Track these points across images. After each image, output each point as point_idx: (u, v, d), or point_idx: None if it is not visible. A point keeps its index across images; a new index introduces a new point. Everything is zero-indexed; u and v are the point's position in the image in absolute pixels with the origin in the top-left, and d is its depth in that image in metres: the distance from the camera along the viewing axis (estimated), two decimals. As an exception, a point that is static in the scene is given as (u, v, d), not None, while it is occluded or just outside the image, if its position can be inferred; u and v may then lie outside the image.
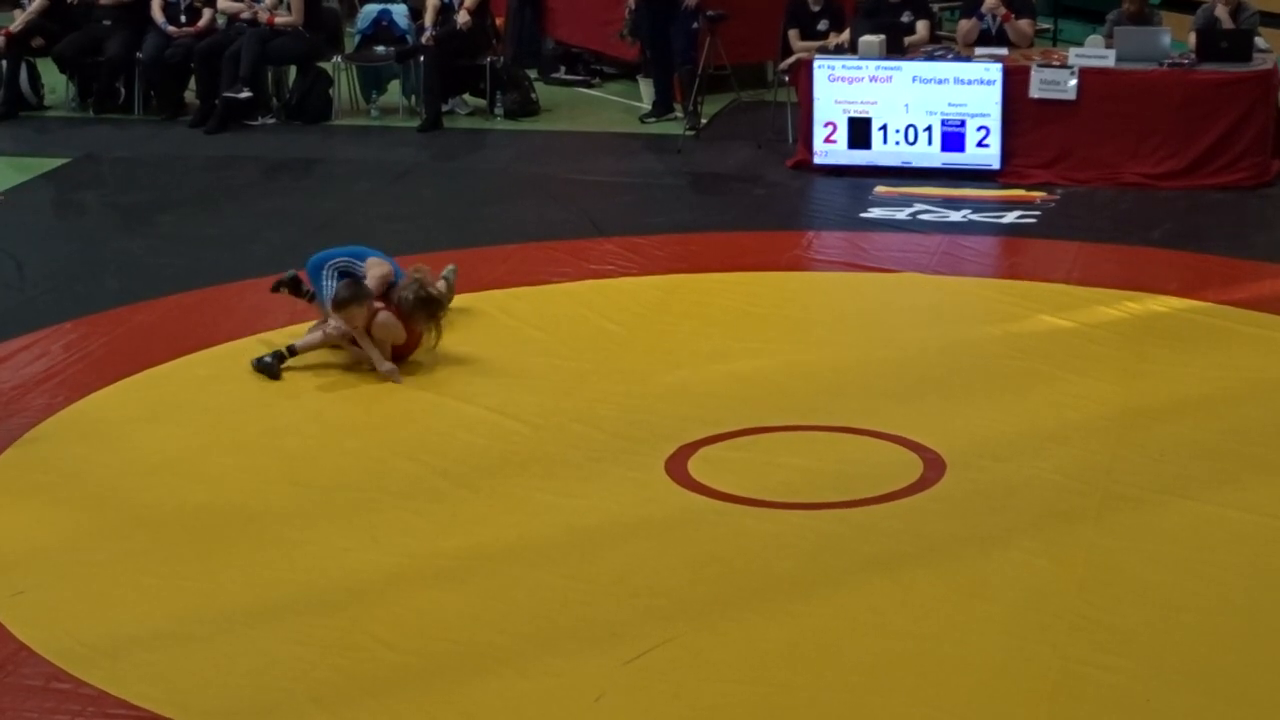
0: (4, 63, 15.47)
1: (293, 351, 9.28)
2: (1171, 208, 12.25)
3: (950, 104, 12.94)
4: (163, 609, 6.83)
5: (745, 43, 14.79)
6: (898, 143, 13.07)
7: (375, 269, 9.30)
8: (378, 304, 9.14)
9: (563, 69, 16.70)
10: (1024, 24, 13.66)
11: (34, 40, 15.59)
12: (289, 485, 7.98)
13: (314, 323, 9.55)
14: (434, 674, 6.39)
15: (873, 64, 13.07)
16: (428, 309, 9.10)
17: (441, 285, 9.47)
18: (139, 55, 15.30)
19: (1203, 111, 12.70)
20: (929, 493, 7.78)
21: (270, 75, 15.41)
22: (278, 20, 15.01)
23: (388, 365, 9.11)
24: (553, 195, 12.96)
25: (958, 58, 13.20)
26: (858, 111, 13.11)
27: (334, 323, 9.21)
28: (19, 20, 15.62)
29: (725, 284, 10.71)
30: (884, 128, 13.07)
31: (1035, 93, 12.88)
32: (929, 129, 12.99)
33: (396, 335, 9.17)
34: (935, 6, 15.05)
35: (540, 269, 10.99)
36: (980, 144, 12.94)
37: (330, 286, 9.27)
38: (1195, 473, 7.90)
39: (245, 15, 15.17)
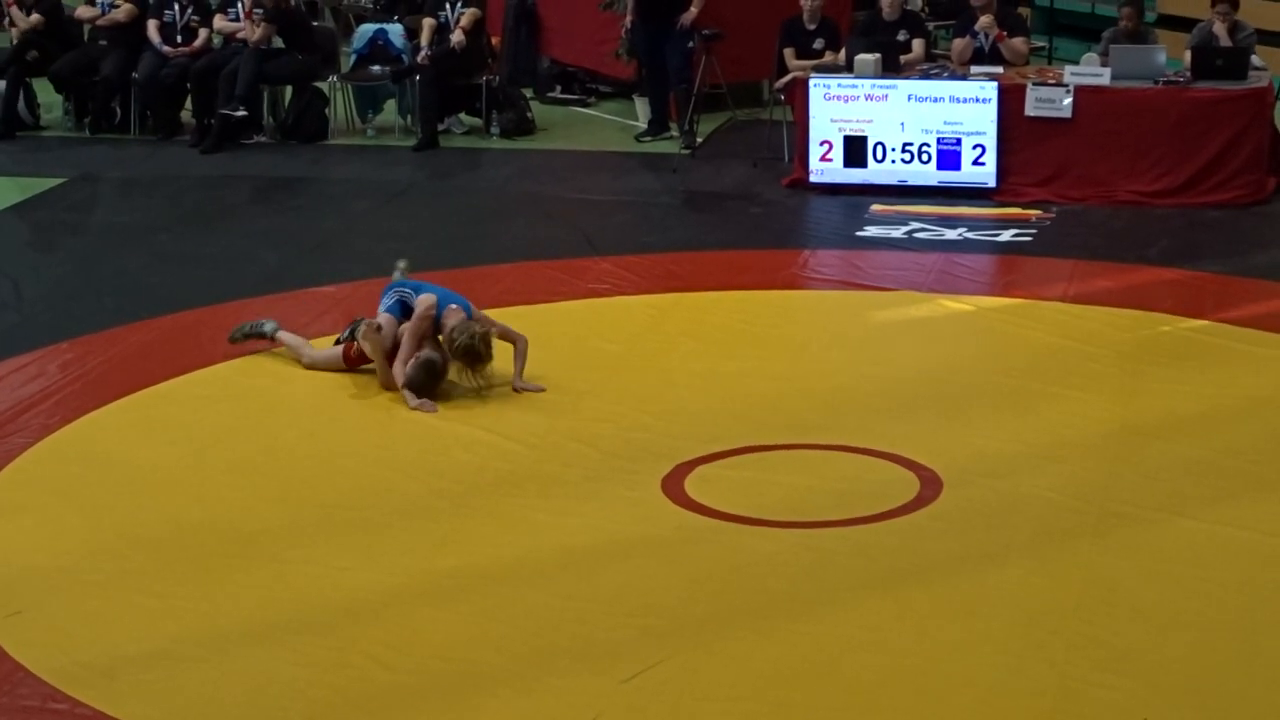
0: (1, 83, 15.49)
1: (274, 336, 9.68)
2: (1167, 225, 12.26)
3: (946, 122, 12.96)
4: (159, 629, 6.83)
5: (741, 61, 14.82)
6: (893, 161, 13.09)
7: (418, 306, 9.25)
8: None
9: (558, 88, 16.72)
10: (1018, 42, 13.68)
11: (29, 54, 15.58)
12: (285, 505, 7.97)
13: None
14: (430, 693, 6.38)
15: (868, 82, 13.09)
16: (469, 358, 9.05)
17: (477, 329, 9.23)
18: (135, 75, 15.32)
19: (1198, 129, 12.72)
20: (926, 511, 7.78)
21: (266, 95, 15.43)
22: (258, 33, 14.97)
23: (417, 400, 9.09)
24: (548, 214, 12.97)
25: (953, 76, 13.23)
26: (853, 130, 13.12)
27: (383, 329, 9.25)
28: (15, 29, 15.64)
29: (721, 302, 10.72)
30: (880, 146, 13.08)
31: (1031, 111, 12.90)
32: (925, 147, 13.01)
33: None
34: (930, 25, 15.09)
35: (536, 288, 10.99)
36: (976, 162, 12.96)
37: (387, 305, 9.35)
38: (1192, 490, 7.90)
39: (241, 35, 15.20)
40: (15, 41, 15.70)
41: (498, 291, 10.84)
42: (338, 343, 9.59)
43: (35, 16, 15.58)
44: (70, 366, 9.73)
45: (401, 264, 9.76)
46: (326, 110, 15.45)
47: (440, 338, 9.19)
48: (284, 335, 9.74)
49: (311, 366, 9.55)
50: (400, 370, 9.10)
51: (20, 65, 15.54)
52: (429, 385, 9.06)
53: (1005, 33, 13.57)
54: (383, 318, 9.33)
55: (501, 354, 9.27)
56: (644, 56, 15.07)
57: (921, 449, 8.36)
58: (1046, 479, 8.05)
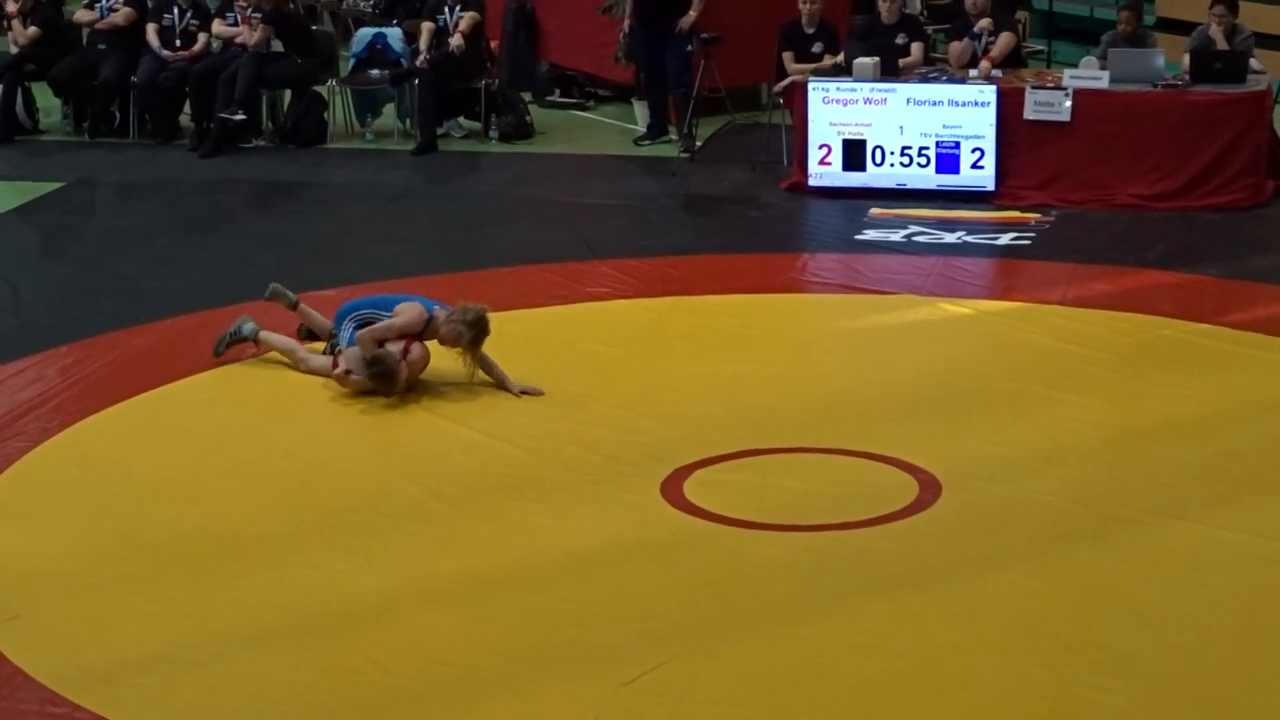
0: (-1, 87, 15.51)
1: (258, 338, 9.70)
2: (1166, 229, 12.26)
3: (945, 126, 12.95)
4: (158, 633, 6.83)
5: (739, 65, 14.80)
6: (892, 165, 13.08)
7: (405, 313, 9.26)
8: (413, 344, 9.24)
9: (557, 91, 16.71)
10: (1005, 36, 13.62)
11: (26, 66, 15.59)
12: (285, 508, 7.97)
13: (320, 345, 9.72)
14: (430, 697, 6.38)
15: (867, 86, 13.08)
16: (476, 330, 9.08)
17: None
18: (134, 79, 15.32)
19: (1197, 133, 12.71)
20: (924, 514, 7.78)
21: (265, 99, 15.42)
22: (256, 36, 14.97)
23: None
24: (547, 218, 12.97)
25: (952, 79, 13.22)
26: (852, 133, 13.12)
27: (352, 374, 9.22)
28: (12, 36, 15.64)
29: (720, 306, 10.72)
30: (879, 149, 13.08)
31: (1030, 114, 12.89)
32: (924, 151, 13.01)
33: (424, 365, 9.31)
34: (929, 28, 15.09)
35: (535, 292, 10.99)
36: (975, 166, 12.96)
37: (349, 337, 9.31)
38: (1191, 494, 7.90)
39: (240, 39, 15.20)
40: (14, 52, 15.68)
41: (496, 295, 10.80)
42: (326, 352, 9.61)
43: (32, 29, 15.57)
44: (69, 371, 9.73)
45: (274, 286, 9.96)
46: (325, 114, 15.43)
47: (439, 341, 9.20)
48: (268, 336, 9.74)
49: (309, 371, 9.55)
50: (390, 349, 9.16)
51: (17, 72, 15.54)
52: (382, 381, 9.12)
53: (994, 46, 13.54)
54: (347, 356, 9.29)
55: (495, 359, 9.29)
56: (643, 60, 15.07)
57: (920, 452, 8.36)
58: (1046, 482, 8.05)
